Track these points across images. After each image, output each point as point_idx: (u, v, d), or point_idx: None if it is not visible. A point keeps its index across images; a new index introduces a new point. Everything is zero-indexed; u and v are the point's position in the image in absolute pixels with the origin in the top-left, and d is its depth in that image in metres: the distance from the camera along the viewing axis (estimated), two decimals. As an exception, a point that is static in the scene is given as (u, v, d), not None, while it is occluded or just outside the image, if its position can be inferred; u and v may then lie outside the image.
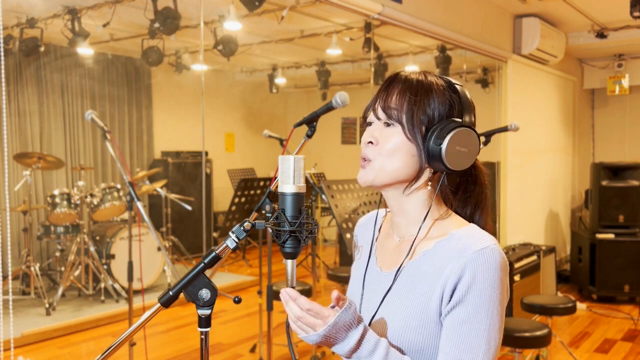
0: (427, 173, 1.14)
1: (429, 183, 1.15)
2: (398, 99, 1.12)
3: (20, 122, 6.09)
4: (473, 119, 1.16)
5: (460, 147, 1.10)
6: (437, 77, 1.15)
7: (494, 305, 1.06)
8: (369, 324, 1.16)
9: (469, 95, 1.16)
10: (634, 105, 7.18)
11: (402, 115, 1.11)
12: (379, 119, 1.15)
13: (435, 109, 1.12)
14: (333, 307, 1.05)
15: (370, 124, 1.18)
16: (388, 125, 1.13)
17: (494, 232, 1.22)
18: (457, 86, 1.15)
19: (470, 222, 1.18)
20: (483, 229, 1.17)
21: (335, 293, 1.04)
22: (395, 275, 1.15)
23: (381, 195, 1.22)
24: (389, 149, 1.12)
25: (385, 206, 1.27)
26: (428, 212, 1.15)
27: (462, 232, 1.11)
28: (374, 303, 1.18)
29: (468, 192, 1.20)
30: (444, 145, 1.08)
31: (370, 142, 1.15)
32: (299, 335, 1.07)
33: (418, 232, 1.15)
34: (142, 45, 5.72)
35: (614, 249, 5.66)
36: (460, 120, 1.12)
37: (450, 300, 1.07)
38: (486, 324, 1.05)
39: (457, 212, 1.20)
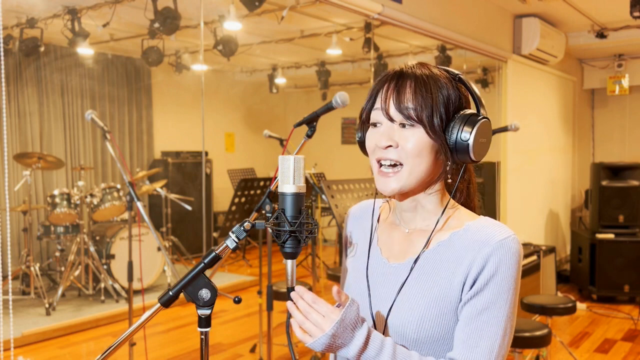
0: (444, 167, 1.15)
1: (448, 176, 1.15)
2: (413, 98, 1.08)
3: (20, 122, 6.09)
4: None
5: (481, 139, 1.10)
6: (439, 69, 1.14)
7: (512, 295, 1.07)
8: (387, 317, 1.14)
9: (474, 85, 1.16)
10: (634, 105, 7.17)
11: (422, 114, 1.08)
12: (392, 120, 1.10)
13: (450, 103, 1.10)
14: (338, 306, 1.05)
15: (375, 124, 1.13)
16: (404, 126, 1.09)
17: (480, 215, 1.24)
18: (461, 77, 1.14)
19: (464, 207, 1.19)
20: (472, 211, 1.19)
21: (335, 288, 1.04)
22: (413, 266, 1.14)
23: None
24: (414, 150, 1.08)
25: (382, 197, 1.25)
26: (447, 204, 1.15)
27: (479, 224, 1.12)
28: (386, 296, 1.15)
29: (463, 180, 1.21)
30: (471, 139, 1.08)
31: (390, 146, 1.10)
32: (306, 343, 1.04)
33: (436, 223, 1.15)
34: (142, 45, 5.72)
35: (614, 249, 5.66)
36: (474, 111, 1.12)
37: (470, 290, 1.07)
38: (504, 313, 1.06)
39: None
